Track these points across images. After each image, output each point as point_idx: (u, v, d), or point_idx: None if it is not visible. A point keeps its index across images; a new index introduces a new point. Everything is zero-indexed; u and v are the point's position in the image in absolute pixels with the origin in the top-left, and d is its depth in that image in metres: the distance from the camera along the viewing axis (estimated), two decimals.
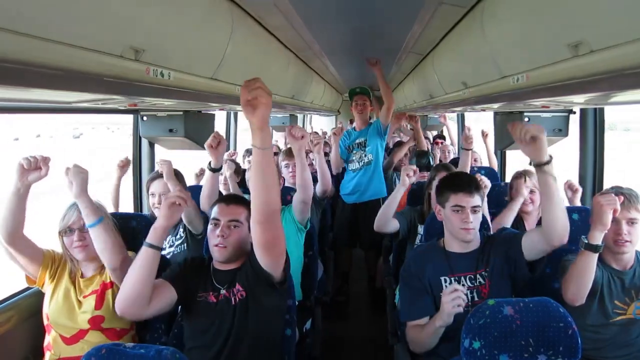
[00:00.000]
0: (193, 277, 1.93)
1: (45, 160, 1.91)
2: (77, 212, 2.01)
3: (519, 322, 1.55)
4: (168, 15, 1.49)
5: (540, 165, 1.80)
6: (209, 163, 2.54)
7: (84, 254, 2.04)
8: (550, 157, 1.81)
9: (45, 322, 2.03)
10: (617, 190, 1.95)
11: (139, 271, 1.73)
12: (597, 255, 1.83)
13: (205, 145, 2.50)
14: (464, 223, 2.00)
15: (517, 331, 1.55)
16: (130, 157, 3.23)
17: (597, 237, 1.82)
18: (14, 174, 1.89)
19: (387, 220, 2.91)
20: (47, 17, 1.02)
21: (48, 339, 2.02)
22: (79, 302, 2.02)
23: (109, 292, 2.04)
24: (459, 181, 2.09)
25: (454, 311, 1.77)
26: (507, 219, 2.71)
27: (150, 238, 1.76)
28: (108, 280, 2.06)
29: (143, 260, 1.73)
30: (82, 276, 2.08)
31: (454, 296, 1.76)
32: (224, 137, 2.58)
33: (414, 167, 2.91)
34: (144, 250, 1.74)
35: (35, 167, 1.89)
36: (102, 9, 1.16)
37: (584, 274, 1.84)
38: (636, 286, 1.95)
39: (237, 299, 1.88)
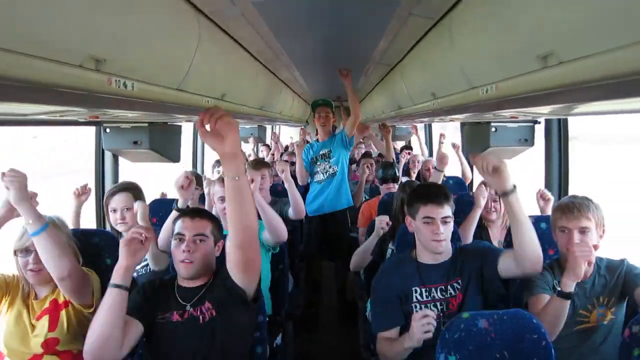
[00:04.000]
0: (153, 301, 1.83)
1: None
2: None
3: (494, 334, 1.55)
4: (131, 24, 1.42)
5: (506, 194, 1.83)
6: (176, 202, 2.44)
7: (37, 278, 1.91)
8: (514, 185, 1.83)
9: None
10: (571, 201, 1.98)
11: (107, 313, 1.60)
12: (569, 301, 1.77)
13: (176, 185, 2.42)
14: (434, 235, 2.00)
15: (491, 344, 1.54)
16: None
17: (570, 286, 1.76)
18: None
19: (362, 264, 2.98)
20: None
21: None
22: (32, 326, 1.90)
23: (64, 312, 1.92)
24: (428, 192, 2.08)
25: (423, 337, 1.75)
26: (468, 229, 2.72)
27: (114, 278, 1.63)
28: (62, 300, 1.94)
29: (110, 302, 1.61)
30: (35, 298, 1.96)
31: (425, 322, 1.74)
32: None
33: (387, 218, 2.87)
34: (110, 291, 1.62)
35: None
36: (59, 15, 1.09)
37: (558, 318, 1.78)
38: (596, 293, 1.96)
39: (206, 317, 1.80)
